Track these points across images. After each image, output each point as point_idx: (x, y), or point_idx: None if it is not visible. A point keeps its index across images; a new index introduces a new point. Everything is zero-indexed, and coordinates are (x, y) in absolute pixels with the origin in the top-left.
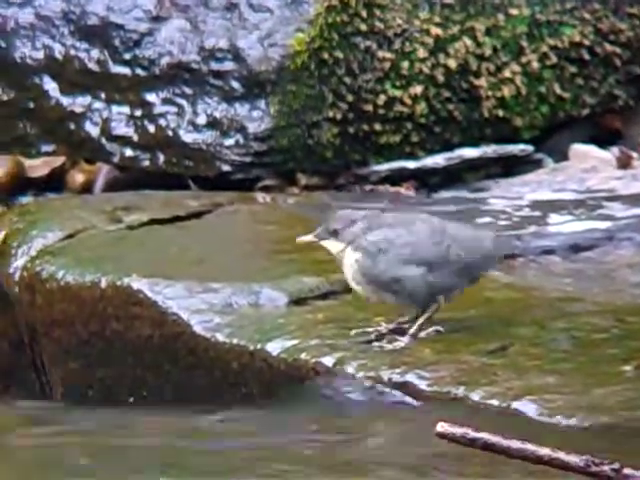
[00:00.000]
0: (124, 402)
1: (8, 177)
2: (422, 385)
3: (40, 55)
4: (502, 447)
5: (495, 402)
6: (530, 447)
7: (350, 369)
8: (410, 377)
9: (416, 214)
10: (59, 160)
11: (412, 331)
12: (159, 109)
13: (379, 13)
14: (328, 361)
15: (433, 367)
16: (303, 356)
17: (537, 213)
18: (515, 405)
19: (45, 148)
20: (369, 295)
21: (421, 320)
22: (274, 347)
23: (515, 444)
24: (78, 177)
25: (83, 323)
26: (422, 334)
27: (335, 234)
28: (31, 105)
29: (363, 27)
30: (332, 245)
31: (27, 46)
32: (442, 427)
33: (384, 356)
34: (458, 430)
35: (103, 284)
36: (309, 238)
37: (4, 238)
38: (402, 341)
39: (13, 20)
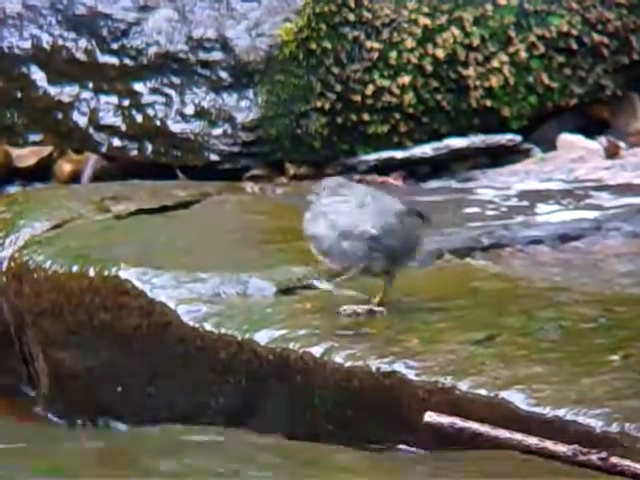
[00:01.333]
0: (112, 392)
1: None
2: (410, 375)
3: (27, 45)
4: (490, 436)
5: (483, 392)
6: (518, 436)
7: (338, 359)
8: (398, 366)
9: (378, 191)
10: (47, 150)
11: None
12: (147, 99)
13: (367, 3)
14: (316, 351)
15: (421, 357)
16: (291, 346)
17: (525, 203)
18: (503, 395)
19: (33, 138)
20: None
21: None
22: (262, 337)
23: (503, 433)
24: (66, 167)
25: (71, 313)
26: (358, 309)
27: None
28: (18, 95)
29: (351, 17)
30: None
31: (15, 36)
32: (430, 416)
33: (372, 345)
34: (446, 419)
35: (91, 274)
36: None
37: None
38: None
39: (0, 10)
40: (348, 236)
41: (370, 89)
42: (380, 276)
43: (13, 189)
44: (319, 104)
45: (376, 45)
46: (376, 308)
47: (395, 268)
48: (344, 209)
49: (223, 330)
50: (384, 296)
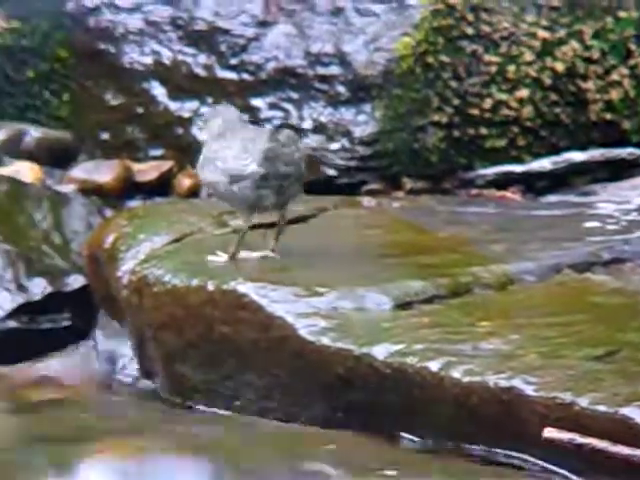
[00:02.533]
0: (230, 405)
1: (117, 181)
2: (528, 390)
3: (149, 60)
4: (609, 453)
5: (603, 408)
6: (639, 453)
7: (456, 374)
8: (516, 382)
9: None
10: (167, 164)
11: (231, 250)
12: (265, 114)
13: (486, 16)
14: (434, 366)
15: (539, 372)
16: (409, 360)
17: None
18: (623, 411)
19: (153, 152)
20: None
21: (233, 248)
22: (380, 351)
23: (623, 450)
24: (185, 181)
25: (191, 326)
26: (252, 255)
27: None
28: (140, 110)
29: (469, 31)
30: (202, 135)
31: (136, 51)
32: (549, 432)
33: (490, 361)
34: (565, 435)
35: (210, 288)
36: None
37: (113, 241)
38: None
39: (122, 26)
40: (236, 179)
41: (488, 103)
42: (273, 210)
43: (134, 203)
44: (437, 118)
45: (494, 59)
46: (270, 254)
47: (286, 201)
48: (229, 155)
49: (340, 344)
50: (277, 239)
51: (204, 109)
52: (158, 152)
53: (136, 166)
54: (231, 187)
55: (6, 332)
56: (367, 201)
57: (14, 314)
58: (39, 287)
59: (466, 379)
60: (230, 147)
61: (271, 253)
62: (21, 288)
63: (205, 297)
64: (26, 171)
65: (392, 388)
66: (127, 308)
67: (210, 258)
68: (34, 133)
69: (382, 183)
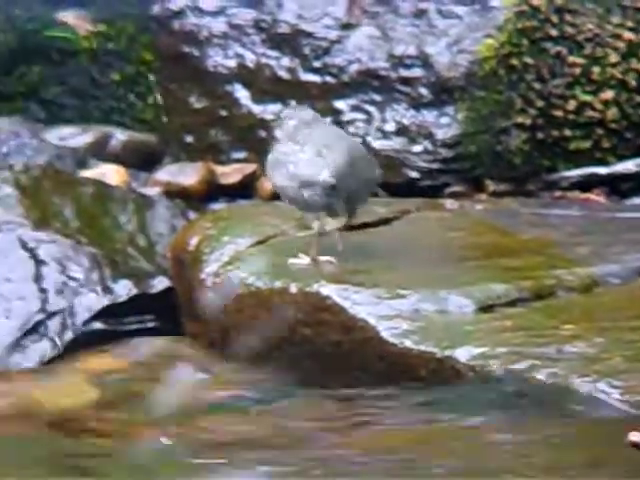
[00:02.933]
0: None
1: (201, 184)
2: (614, 394)
3: (232, 63)
4: None
5: None
6: None
7: (540, 377)
8: (601, 386)
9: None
10: (250, 167)
11: (312, 252)
12: (348, 116)
13: (570, 18)
14: (517, 369)
15: (624, 376)
16: (492, 363)
17: None
18: None
19: (236, 155)
20: None
21: (312, 251)
22: (462, 354)
23: None
24: (268, 184)
25: (273, 328)
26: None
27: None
28: (223, 113)
29: (553, 32)
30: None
31: (219, 55)
32: (634, 436)
33: (574, 364)
34: None
35: (293, 290)
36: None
37: (197, 244)
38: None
39: (206, 29)
40: (307, 185)
41: (572, 105)
42: (341, 216)
43: (217, 206)
44: (520, 120)
45: (578, 60)
46: (332, 260)
47: (354, 208)
48: (302, 159)
49: (423, 347)
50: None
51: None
52: (241, 155)
53: (219, 169)
54: (301, 192)
55: (91, 333)
56: (450, 203)
57: (99, 316)
58: (124, 289)
59: (550, 382)
60: (303, 151)
61: (332, 259)
62: (107, 290)
63: (288, 299)
64: (112, 174)
65: (474, 391)
66: (210, 310)
67: (292, 261)
68: (120, 136)
69: (465, 185)
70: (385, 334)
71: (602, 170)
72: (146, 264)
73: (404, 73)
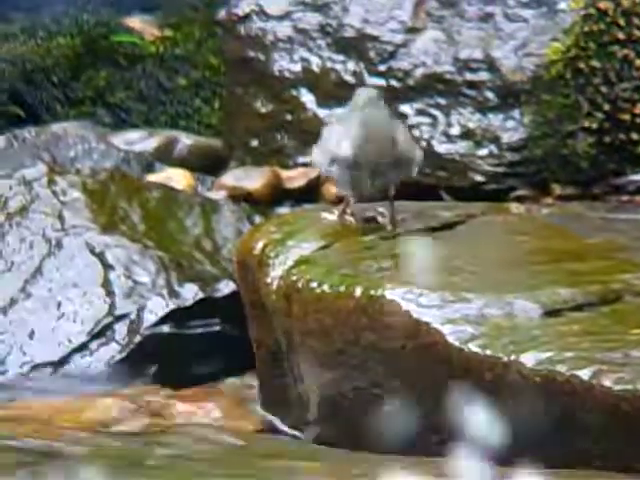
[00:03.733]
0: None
1: (267, 188)
2: None
3: (297, 68)
4: None
5: None
6: None
7: (607, 382)
8: None
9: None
10: (315, 171)
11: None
12: (413, 120)
13: (638, 21)
14: (584, 374)
15: None
16: (558, 368)
17: None
18: None
19: (301, 159)
20: None
21: (342, 207)
22: (528, 358)
23: None
24: (332, 188)
25: (338, 333)
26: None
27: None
28: (289, 117)
29: (621, 35)
30: None
31: (285, 59)
32: None
33: None
34: None
35: (357, 294)
36: None
37: (262, 248)
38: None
39: (272, 34)
40: (334, 161)
41: (639, 108)
42: (380, 196)
43: (283, 210)
44: (587, 124)
45: None
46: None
47: (386, 184)
48: (335, 136)
49: (489, 351)
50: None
51: None
52: (306, 159)
53: (285, 173)
54: (330, 168)
55: (158, 336)
56: (515, 207)
57: (166, 319)
58: (190, 293)
59: (617, 387)
60: (337, 129)
61: (352, 219)
62: (173, 294)
63: (352, 303)
64: (178, 178)
65: (541, 396)
66: (275, 314)
67: (323, 214)
68: (186, 140)
69: (530, 189)
70: (450, 338)
71: None
72: (212, 268)
73: (470, 77)
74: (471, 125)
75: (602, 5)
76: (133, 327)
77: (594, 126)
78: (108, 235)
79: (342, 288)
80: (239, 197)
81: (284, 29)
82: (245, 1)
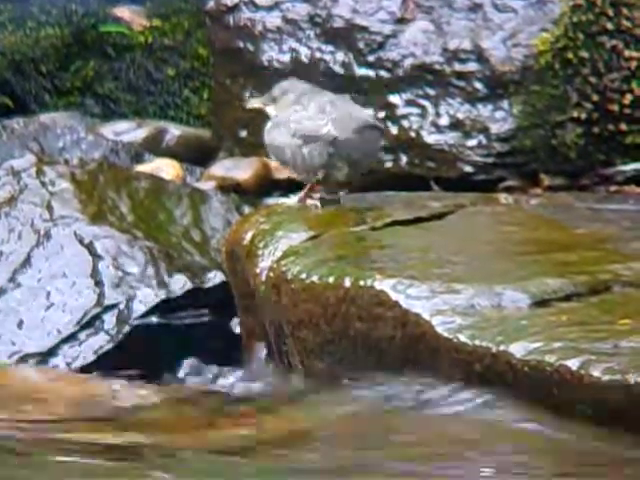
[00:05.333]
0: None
1: (255, 179)
2: None
3: (287, 58)
4: None
5: None
6: None
7: (596, 372)
8: None
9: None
10: None
11: (300, 195)
12: (402, 110)
13: (626, 12)
14: (573, 364)
15: None
16: (547, 358)
17: None
18: None
19: None
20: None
21: (305, 189)
22: (517, 349)
23: None
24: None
25: (327, 323)
26: (308, 201)
27: (273, 101)
28: None
29: (609, 26)
30: (270, 110)
31: (274, 49)
32: None
33: (631, 359)
34: None
35: (347, 284)
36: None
37: (252, 238)
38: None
39: (261, 24)
40: (309, 141)
41: (628, 98)
42: (340, 179)
43: (271, 201)
44: (575, 114)
45: (635, 54)
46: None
47: (357, 172)
48: (305, 116)
49: (478, 342)
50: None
51: None
52: None
53: (273, 164)
54: (301, 150)
55: (147, 327)
56: (504, 198)
57: (155, 310)
58: (179, 283)
59: (606, 377)
60: (307, 110)
61: (318, 203)
62: (162, 284)
63: (342, 294)
64: (167, 168)
65: (529, 386)
66: (265, 305)
67: (282, 200)
68: (174, 131)
69: (519, 180)
70: (439, 329)
71: None
72: (201, 258)
73: (459, 67)
74: (460, 116)
75: None
76: (122, 317)
77: (583, 116)
78: (97, 225)
79: (331, 279)
80: (228, 187)
81: (273, 19)
82: None
